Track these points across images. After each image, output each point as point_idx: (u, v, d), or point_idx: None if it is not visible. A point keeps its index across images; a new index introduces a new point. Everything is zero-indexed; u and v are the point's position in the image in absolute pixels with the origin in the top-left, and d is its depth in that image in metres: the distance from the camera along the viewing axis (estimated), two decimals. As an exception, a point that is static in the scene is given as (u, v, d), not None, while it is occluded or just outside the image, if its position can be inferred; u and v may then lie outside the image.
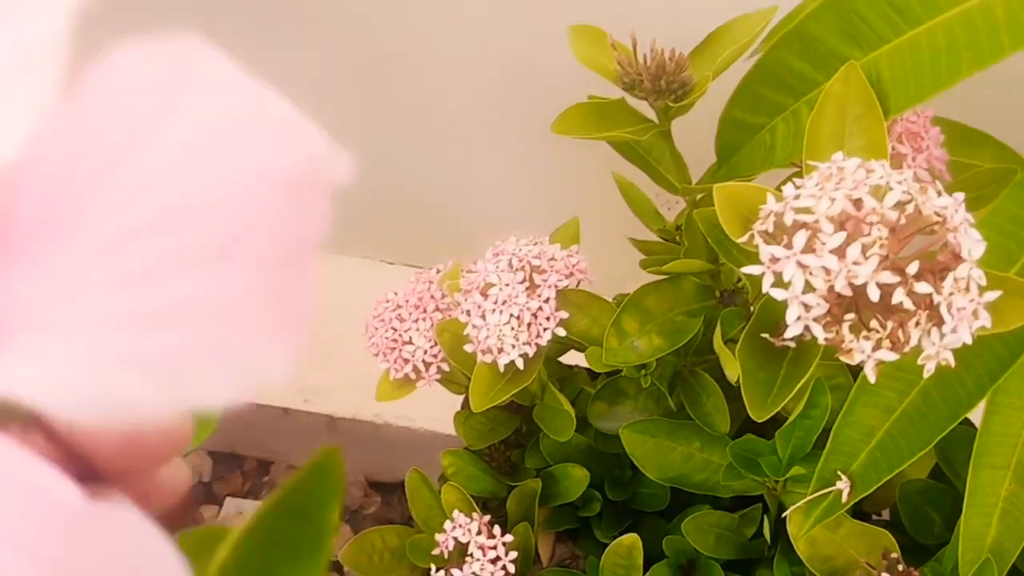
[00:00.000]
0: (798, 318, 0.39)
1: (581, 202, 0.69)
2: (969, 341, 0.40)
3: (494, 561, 0.59)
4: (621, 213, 0.68)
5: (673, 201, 0.71)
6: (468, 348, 0.57)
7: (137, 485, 0.20)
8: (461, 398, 0.67)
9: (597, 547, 0.65)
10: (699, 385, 0.59)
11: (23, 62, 0.17)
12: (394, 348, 0.62)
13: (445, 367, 0.62)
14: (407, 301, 0.63)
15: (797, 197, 0.41)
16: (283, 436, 1.01)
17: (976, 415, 0.51)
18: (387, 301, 0.63)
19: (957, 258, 0.40)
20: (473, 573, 0.59)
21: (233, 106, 0.18)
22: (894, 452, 0.49)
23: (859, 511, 0.62)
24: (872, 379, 0.39)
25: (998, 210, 0.49)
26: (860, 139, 0.46)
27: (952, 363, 0.40)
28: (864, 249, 0.39)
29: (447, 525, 0.61)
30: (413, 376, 0.62)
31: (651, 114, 0.56)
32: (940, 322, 0.40)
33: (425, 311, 0.63)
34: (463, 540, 0.60)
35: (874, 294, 0.39)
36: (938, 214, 0.41)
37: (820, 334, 0.39)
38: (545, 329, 0.56)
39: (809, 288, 0.39)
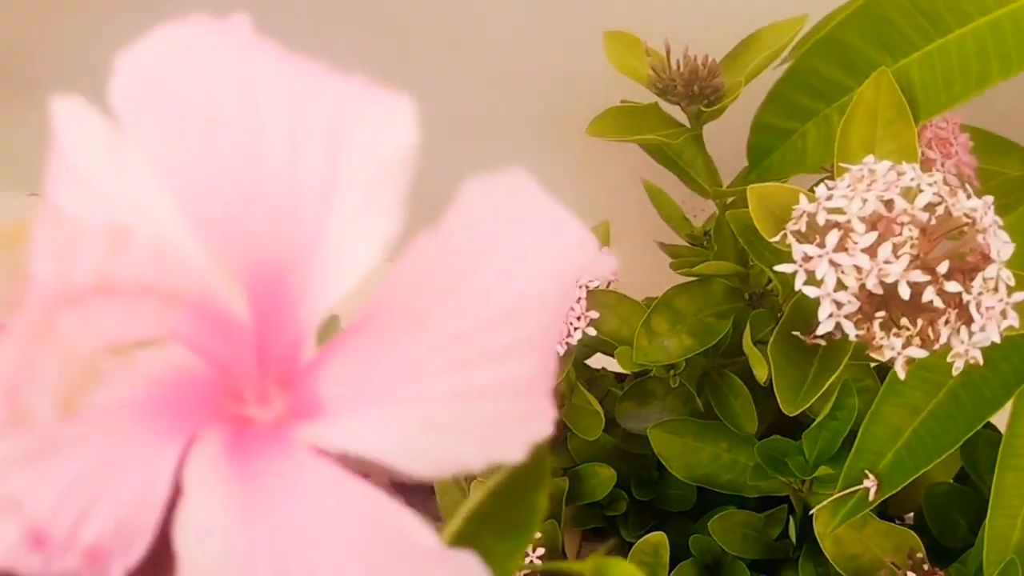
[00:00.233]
0: (830, 315, 0.40)
1: (611, 206, 0.70)
2: (997, 340, 0.40)
3: (522, 557, 0.60)
4: (649, 218, 0.69)
5: (699, 209, 0.72)
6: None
7: None
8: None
9: (623, 546, 0.66)
10: (727, 386, 0.60)
11: (379, 174, 0.22)
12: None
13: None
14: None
15: (830, 198, 0.41)
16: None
17: (1001, 419, 0.52)
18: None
19: (986, 259, 0.41)
20: (501, 568, 0.60)
21: (546, 231, 0.22)
22: (921, 452, 0.50)
23: (883, 513, 0.63)
24: (902, 375, 0.40)
25: (1024, 216, 0.50)
26: (891, 144, 0.47)
27: (980, 361, 0.41)
28: (895, 248, 0.40)
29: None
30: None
31: (683, 118, 0.57)
32: (969, 321, 0.40)
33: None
34: (492, 536, 0.61)
35: (905, 292, 0.39)
36: (968, 216, 0.41)
37: (851, 331, 0.40)
38: (576, 328, 0.57)
39: (841, 286, 0.40)
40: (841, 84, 0.50)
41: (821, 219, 0.41)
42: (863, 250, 0.40)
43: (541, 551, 0.61)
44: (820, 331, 0.41)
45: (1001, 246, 0.41)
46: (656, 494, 0.67)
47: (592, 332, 0.57)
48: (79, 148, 0.22)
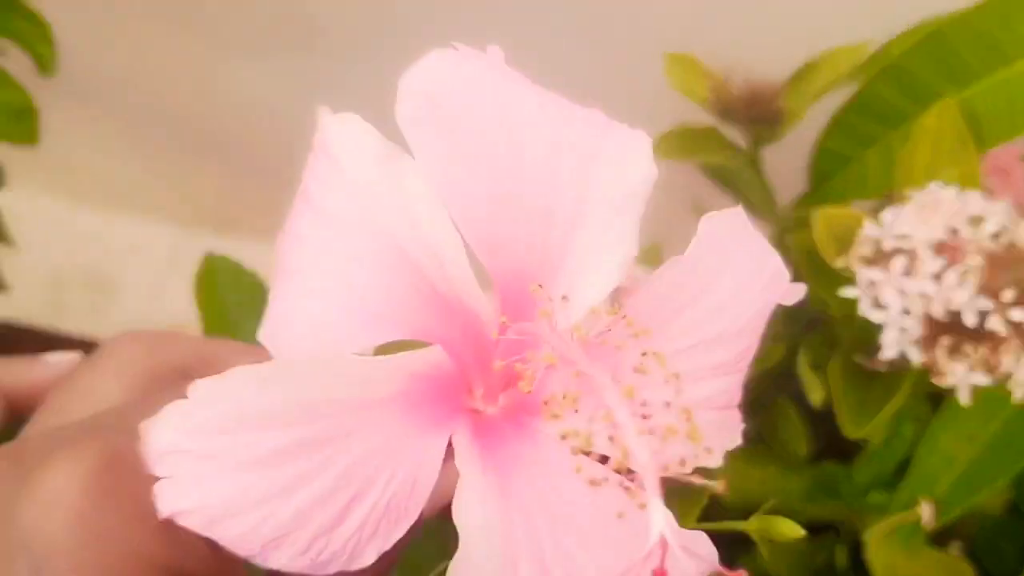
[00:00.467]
0: (895, 341, 0.40)
1: (661, 229, 0.70)
2: (1061, 369, 0.40)
3: None
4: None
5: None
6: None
7: None
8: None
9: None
10: (778, 410, 0.60)
11: (623, 201, 0.25)
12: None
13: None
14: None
15: (896, 224, 0.42)
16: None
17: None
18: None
19: (1051, 288, 0.41)
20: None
21: (755, 264, 0.26)
22: (975, 480, 0.49)
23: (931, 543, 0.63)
24: (964, 401, 0.40)
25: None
26: (954, 172, 0.47)
27: (1043, 390, 0.41)
28: (961, 276, 0.40)
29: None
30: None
31: (741, 141, 0.58)
32: (1033, 349, 0.40)
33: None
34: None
35: (970, 319, 0.40)
36: (1033, 245, 0.42)
37: (915, 356, 0.40)
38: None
39: (905, 312, 0.40)
40: (905, 112, 0.50)
41: (887, 245, 0.41)
42: (929, 276, 0.40)
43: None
44: (884, 356, 0.41)
45: (1066, 276, 0.41)
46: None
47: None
48: (355, 161, 0.24)
